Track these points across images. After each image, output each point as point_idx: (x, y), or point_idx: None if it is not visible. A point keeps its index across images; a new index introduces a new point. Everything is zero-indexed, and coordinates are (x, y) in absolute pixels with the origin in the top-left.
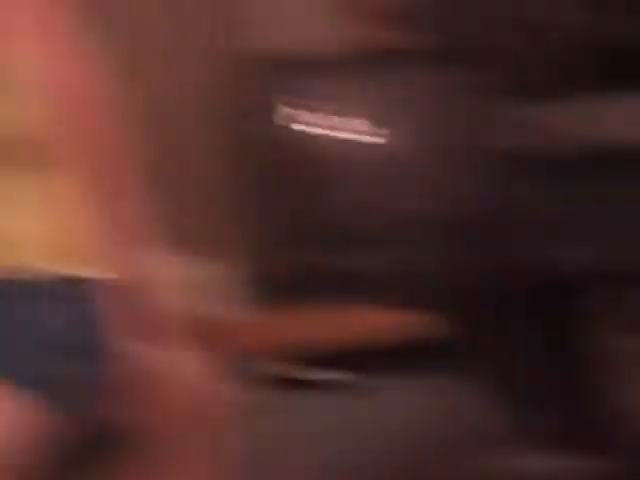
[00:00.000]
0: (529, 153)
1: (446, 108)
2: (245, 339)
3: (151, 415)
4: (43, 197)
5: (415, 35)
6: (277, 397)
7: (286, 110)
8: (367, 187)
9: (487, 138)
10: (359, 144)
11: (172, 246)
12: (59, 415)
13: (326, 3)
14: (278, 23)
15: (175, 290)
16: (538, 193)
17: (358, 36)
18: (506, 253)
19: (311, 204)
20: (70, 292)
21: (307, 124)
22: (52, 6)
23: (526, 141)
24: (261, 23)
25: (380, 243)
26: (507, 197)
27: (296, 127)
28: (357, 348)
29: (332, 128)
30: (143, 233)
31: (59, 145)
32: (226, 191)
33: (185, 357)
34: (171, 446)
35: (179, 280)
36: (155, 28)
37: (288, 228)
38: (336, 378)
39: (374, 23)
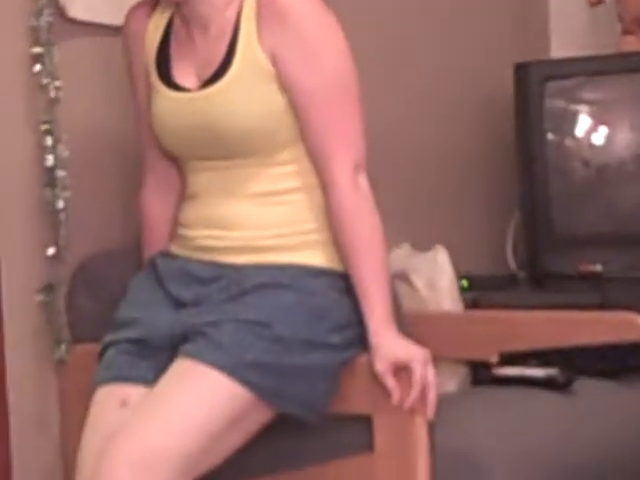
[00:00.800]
0: None
1: None
2: (455, 334)
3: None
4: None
5: None
6: (480, 391)
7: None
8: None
9: None
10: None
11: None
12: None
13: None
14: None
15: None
16: None
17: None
18: None
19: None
20: (315, 283)
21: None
22: None
23: None
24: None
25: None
26: None
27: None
28: (568, 347)
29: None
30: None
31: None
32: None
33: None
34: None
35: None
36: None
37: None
38: (542, 375)
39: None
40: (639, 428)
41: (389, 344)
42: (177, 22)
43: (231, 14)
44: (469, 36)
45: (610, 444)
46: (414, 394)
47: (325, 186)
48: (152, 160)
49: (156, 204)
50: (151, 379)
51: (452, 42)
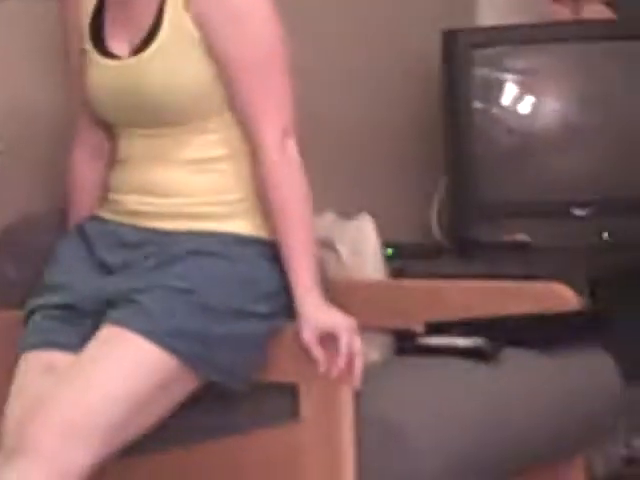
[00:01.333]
0: None
1: None
2: (380, 302)
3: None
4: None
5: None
6: (405, 361)
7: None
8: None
9: None
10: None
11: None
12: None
13: None
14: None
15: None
16: None
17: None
18: None
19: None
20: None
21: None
22: None
23: None
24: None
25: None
26: None
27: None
28: (494, 317)
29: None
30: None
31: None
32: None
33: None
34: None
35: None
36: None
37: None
38: (468, 345)
39: None
40: (564, 398)
41: (315, 312)
42: None
43: None
44: (396, 2)
45: (535, 414)
46: (340, 363)
47: (254, 150)
48: (83, 124)
49: (85, 168)
50: (78, 345)
51: (378, 9)
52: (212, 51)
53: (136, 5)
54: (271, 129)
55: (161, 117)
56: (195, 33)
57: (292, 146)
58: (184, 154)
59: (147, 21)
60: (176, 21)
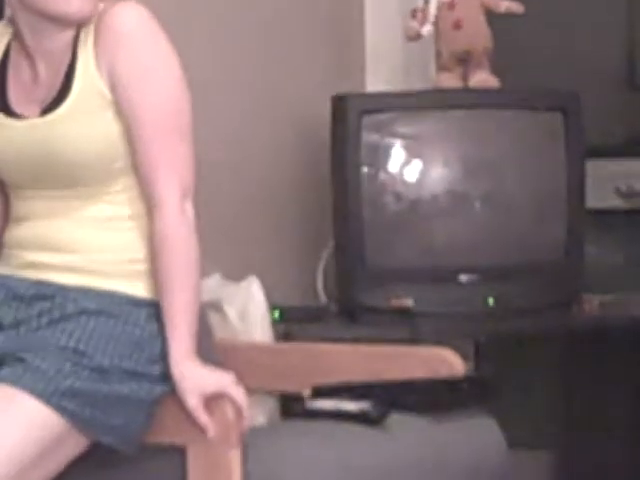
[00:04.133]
0: None
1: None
2: (267, 366)
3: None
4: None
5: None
6: (292, 424)
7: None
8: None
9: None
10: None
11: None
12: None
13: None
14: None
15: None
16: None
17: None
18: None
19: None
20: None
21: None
22: None
23: None
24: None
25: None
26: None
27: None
28: (381, 381)
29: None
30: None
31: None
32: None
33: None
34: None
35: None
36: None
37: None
38: (354, 409)
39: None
40: (449, 463)
41: (195, 376)
42: (16, 48)
43: (68, 39)
44: (286, 67)
45: (420, 478)
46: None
47: (151, 209)
48: None
49: None
50: None
51: (269, 74)
52: (121, 111)
53: (44, 64)
54: (172, 189)
55: (69, 179)
56: (106, 93)
57: (189, 208)
58: (89, 212)
59: (57, 81)
60: (87, 81)
